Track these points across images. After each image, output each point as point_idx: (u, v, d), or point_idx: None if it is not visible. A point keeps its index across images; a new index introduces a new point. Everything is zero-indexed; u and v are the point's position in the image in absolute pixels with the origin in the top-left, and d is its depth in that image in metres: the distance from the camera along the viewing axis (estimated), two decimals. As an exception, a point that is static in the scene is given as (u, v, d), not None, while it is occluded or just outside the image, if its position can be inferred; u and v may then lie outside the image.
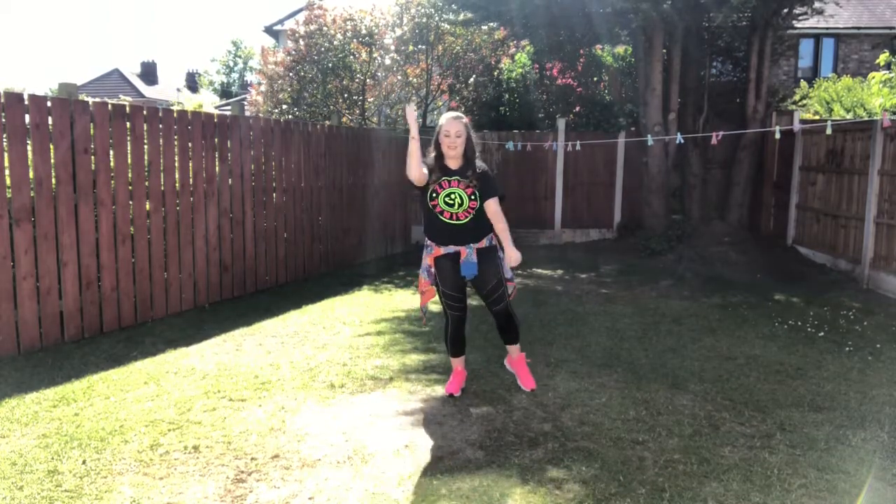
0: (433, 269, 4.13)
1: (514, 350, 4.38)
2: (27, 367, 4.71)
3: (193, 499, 3.03)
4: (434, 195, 4.00)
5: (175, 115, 6.33)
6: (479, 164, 4.11)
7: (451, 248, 4.03)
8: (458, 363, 4.34)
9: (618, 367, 4.81)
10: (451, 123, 3.98)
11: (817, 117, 10.27)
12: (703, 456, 3.42)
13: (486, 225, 4.07)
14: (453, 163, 4.03)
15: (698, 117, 10.79)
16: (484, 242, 4.08)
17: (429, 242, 4.13)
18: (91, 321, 5.51)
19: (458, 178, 3.99)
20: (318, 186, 8.37)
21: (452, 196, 3.98)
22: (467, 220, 3.99)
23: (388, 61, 12.19)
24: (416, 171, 3.94)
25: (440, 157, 4.04)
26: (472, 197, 3.99)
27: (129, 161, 5.80)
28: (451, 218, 3.99)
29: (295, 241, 7.98)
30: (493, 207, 4.02)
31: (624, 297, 7.21)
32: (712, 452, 3.47)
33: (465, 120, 4.06)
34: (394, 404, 4.13)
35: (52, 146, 5.18)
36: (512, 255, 3.90)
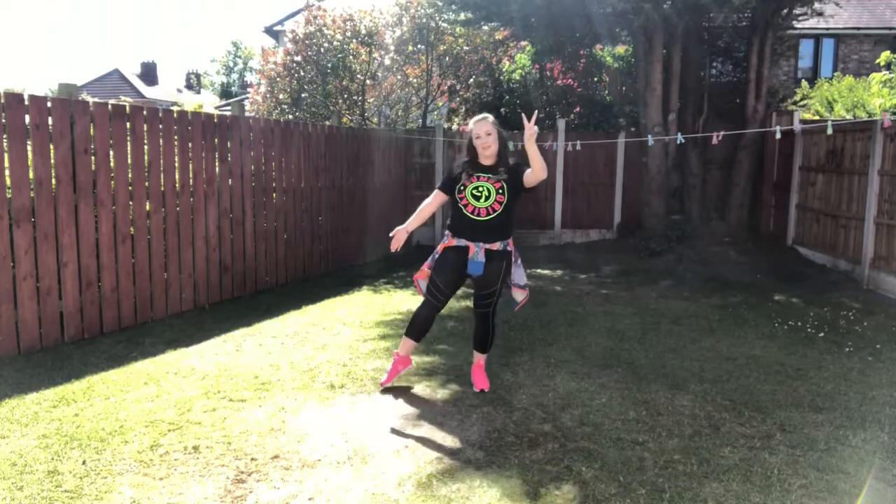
0: (437, 257, 4.27)
1: (479, 357, 4.46)
2: (27, 368, 4.71)
3: (193, 499, 3.03)
4: (462, 188, 4.15)
5: (175, 115, 6.33)
6: (512, 159, 4.25)
7: (462, 242, 4.15)
8: (407, 348, 4.38)
9: (618, 368, 4.81)
10: (480, 125, 4.14)
11: (817, 117, 10.28)
12: (703, 456, 3.42)
13: (505, 227, 4.17)
14: (487, 160, 4.17)
15: (698, 117, 10.79)
16: (497, 245, 4.15)
17: (447, 233, 4.27)
18: (91, 321, 5.51)
19: (488, 174, 4.13)
20: (318, 187, 8.37)
21: (480, 189, 4.12)
22: (489, 217, 4.09)
23: (387, 61, 12.19)
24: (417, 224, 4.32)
25: (474, 156, 4.19)
26: (500, 191, 4.11)
27: (129, 161, 5.80)
28: (473, 212, 4.11)
29: (295, 242, 7.98)
30: (529, 176, 4.08)
31: (624, 298, 7.21)
32: (712, 452, 3.47)
33: (492, 119, 4.19)
34: (394, 405, 4.13)
35: (52, 146, 5.17)
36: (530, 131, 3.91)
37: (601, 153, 11.07)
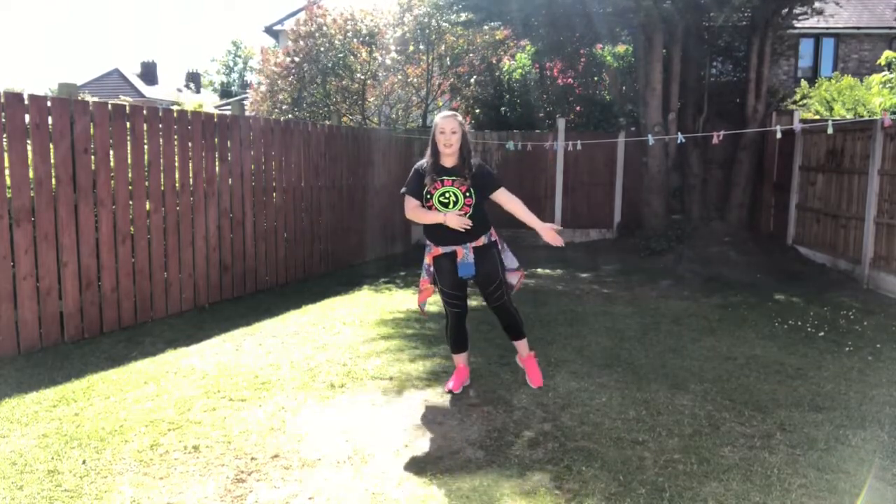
0: (432, 268, 4.21)
1: (520, 347, 4.41)
2: (27, 367, 4.71)
3: (193, 499, 3.03)
4: (429, 196, 4.07)
5: (175, 115, 6.33)
6: (475, 160, 4.15)
7: (449, 248, 4.09)
8: (459, 360, 4.38)
9: (618, 367, 4.81)
10: (446, 121, 4.03)
11: (817, 117, 10.27)
12: (703, 456, 3.42)
13: (482, 223, 4.11)
14: (449, 161, 4.08)
15: (698, 117, 10.79)
16: (482, 240, 4.12)
17: (428, 242, 4.19)
18: (91, 321, 5.51)
19: (452, 177, 4.04)
20: (318, 186, 8.37)
21: (447, 195, 4.03)
22: None
23: (388, 61, 12.19)
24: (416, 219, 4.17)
25: (436, 155, 4.09)
26: (468, 194, 4.03)
27: (129, 161, 5.80)
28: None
29: (295, 241, 7.98)
30: (503, 196, 4.13)
31: (624, 297, 7.21)
32: (712, 452, 3.47)
33: (460, 118, 4.10)
34: (394, 404, 4.13)
35: (52, 146, 5.17)
36: (545, 229, 4.14)
37: (601, 153, 11.07)
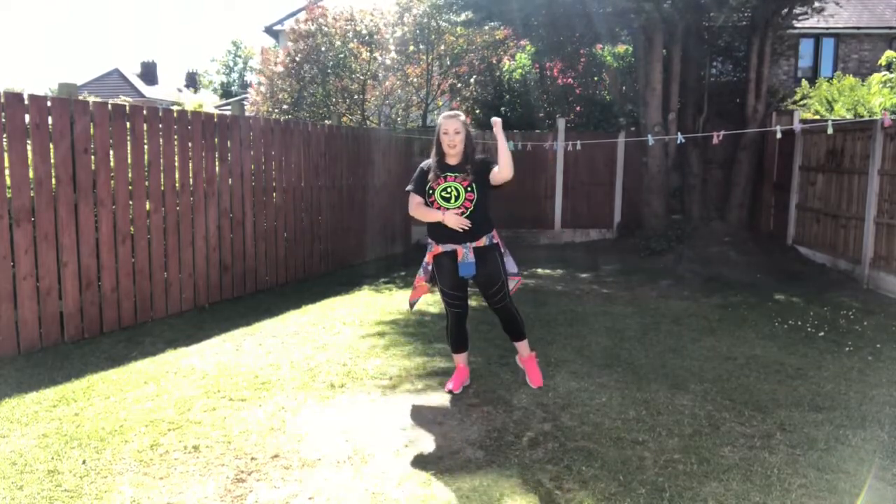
0: (430, 267, 4.25)
1: (521, 347, 4.43)
2: (27, 367, 4.71)
3: (193, 499, 3.03)
4: (431, 192, 4.13)
5: (175, 114, 6.33)
6: (478, 157, 4.22)
7: (449, 247, 4.12)
8: (459, 360, 4.39)
9: (618, 367, 4.81)
10: (450, 122, 4.09)
11: (817, 117, 10.28)
12: (703, 456, 3.42)
13: (484, 223, 4.15)
14: (453, 160, 4.15)
15: (698, 117, 10.79)
16: (483, 241, 4.14)
17: (430, 240, 4.23)
18: (91, 321, 5.51)
19: (455, 173, 4.11)
20: (318, 186, 8.37)
21: (448, 190, 4.09)
22: (463, 216, 4.06)
23: (388, 61, 12.19)
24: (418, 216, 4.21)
25: (441, 154, 4.15)
26: (469, 189, 4.08)
27: (129, 161, 5.80)
28: None
29: (295, 241, 7.98)
30: (496, 170, 4.10)
31: (624, 297, 7.21)
32: (712, 452, 3.47)
33: (463, 117, 4.16)
34: (394, 404, 4.13)
35: (52, 146, 5.17)
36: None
37: (601, 153, 11.07)
